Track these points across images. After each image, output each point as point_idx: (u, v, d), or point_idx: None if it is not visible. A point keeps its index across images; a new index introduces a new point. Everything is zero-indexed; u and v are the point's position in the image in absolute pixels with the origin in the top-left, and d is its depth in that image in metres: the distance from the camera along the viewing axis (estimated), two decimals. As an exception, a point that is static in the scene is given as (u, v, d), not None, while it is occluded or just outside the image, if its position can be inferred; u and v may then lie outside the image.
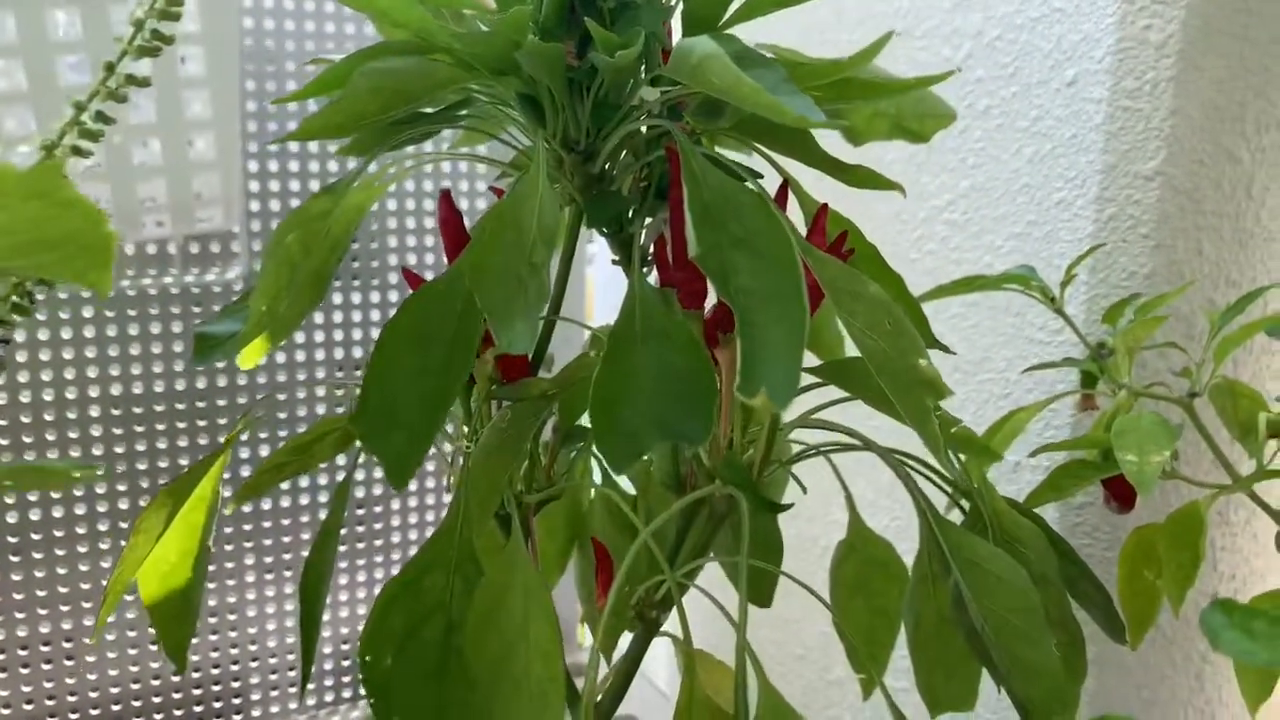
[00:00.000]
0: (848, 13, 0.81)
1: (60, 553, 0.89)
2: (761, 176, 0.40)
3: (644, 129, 0.40)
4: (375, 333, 0.99)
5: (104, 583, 0.91)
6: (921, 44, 0.75)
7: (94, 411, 0.89)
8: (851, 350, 0.38)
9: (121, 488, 0.91)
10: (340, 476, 0.97)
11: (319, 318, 0.94)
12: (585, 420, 0.48)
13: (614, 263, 0.44)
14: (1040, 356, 0.68)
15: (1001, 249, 0.71)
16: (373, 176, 0.43)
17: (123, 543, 0.90)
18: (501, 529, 0.44)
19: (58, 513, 0.88)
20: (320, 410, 0.97)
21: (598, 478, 0.54)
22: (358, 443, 0.49)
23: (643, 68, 0.37)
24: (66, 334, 0.85)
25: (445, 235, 0.44)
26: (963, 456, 0.48)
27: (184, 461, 0.93)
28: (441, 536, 0.37)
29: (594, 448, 0.30)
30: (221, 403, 0.94)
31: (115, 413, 0.90)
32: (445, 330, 0.33)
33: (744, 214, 0.31)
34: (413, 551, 1.08)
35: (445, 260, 0.44)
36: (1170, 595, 0.47)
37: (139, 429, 0.91)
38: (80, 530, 0.90)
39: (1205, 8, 0.61)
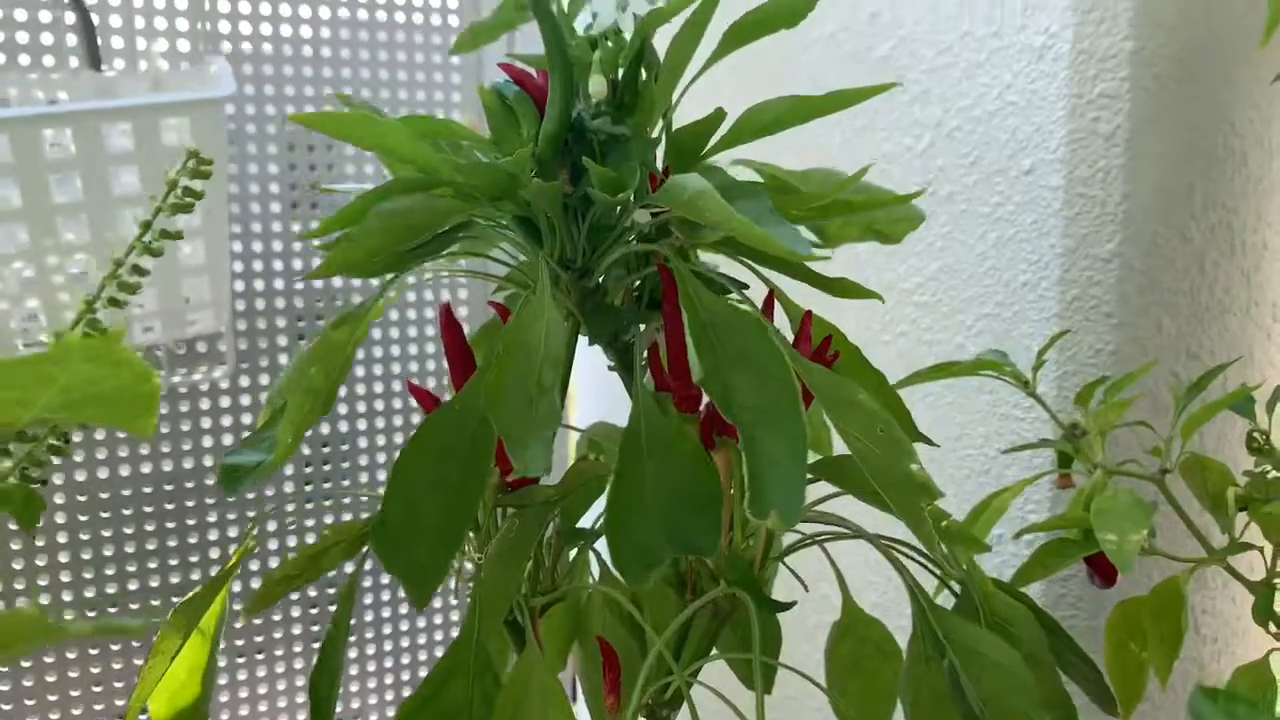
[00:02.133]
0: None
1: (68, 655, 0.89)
2: (747, 287, 0.43)
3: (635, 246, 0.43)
4: (359, 424, 1.00)
5: (100, 690, 0.90)
6: (884, 135, 0.79)
7: (82, 516, 0.89)
8: (838, 442, 0.40)
9: (110, 589, 0.90)
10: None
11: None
12: (585, 521, 0.50)
13: (609, 369, 0.46)
14: (1015, 432, 0.71)
15: (972, 329, 0.73)
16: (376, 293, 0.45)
17: (115, 648, 0.90)
18: (510, 633, 0.45)
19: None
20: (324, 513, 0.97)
21: (595, 570, 0.55)
22: (364, 548, 0.50)
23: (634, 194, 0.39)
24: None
25: (448, 347, 0.46)
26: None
27: (174, 561, 0.93)
28: (458, 648, 0.38)
29: (610, 562, 0.32)
30: (210, 500, 0.94)
31: (104, 515, 0.90)
32: (461, 449, 0.35)
33: (739, 334, 0.33)
34: (422, 654, 1.07)
35: (438, 363, 0.46)
36: (1157, 668, 0.49)
37: (128, 530, 0.91)
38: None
39: (1149, 99, 0.65)
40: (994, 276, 0.71)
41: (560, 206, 0.39)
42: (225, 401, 0.95)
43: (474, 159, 0.42)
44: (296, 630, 0.99)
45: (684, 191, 0.33)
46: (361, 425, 1.00)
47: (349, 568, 0.53)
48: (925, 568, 0.52)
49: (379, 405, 1.00)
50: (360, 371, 0.99)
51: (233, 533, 0.95)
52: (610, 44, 0.40)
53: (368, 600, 1.02)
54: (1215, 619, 0.69)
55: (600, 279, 0.42)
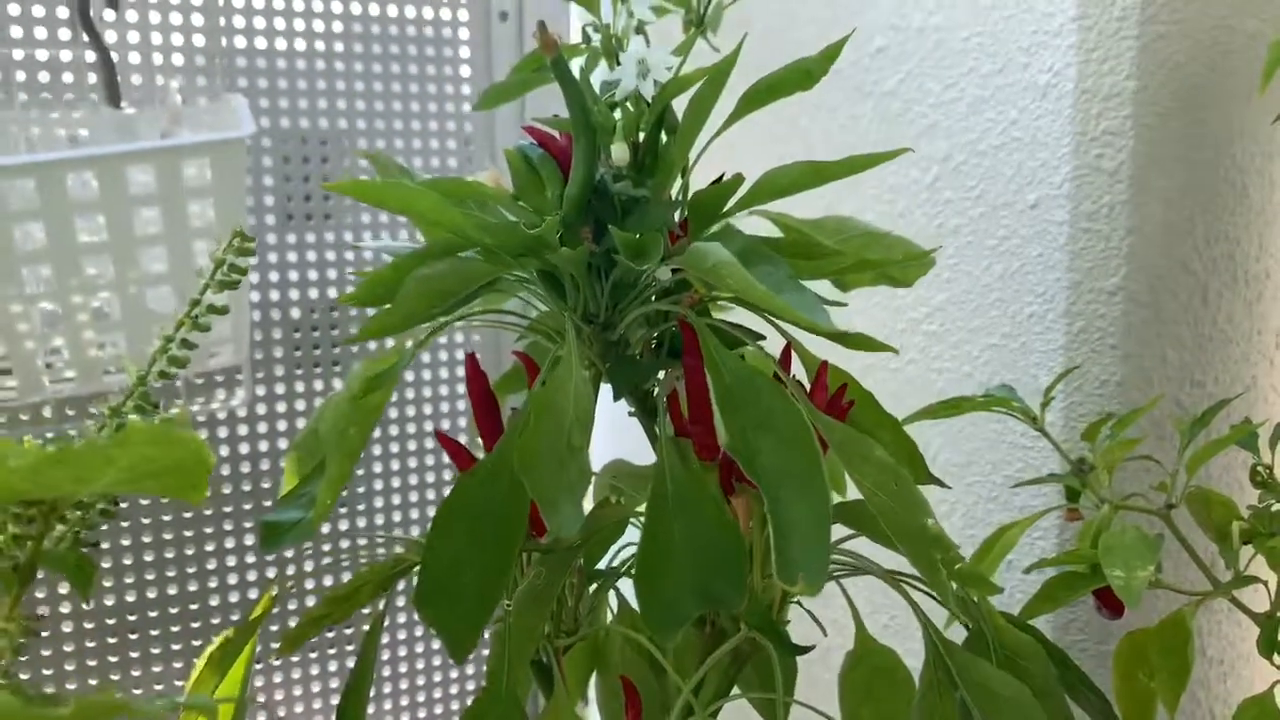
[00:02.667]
0: (816, 147, 0.86)
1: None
2: (764, 338, 0.44)
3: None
4: (374, 466, 1.02)
5: None
6: (891, 167, 0.80)
7: (104, 544, 0.91)
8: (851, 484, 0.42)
9: (130, 615, 0.92)
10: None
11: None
12: (605, 559, 0.51)
13: (630, 414, 0.47)
14: (1024, 461, 0.72)
15: (979, 359, 0.75)
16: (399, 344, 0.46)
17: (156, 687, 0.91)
18: (535, 673, 0.46)
19: (92, 661, 0.89)
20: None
21: (613, 603, 0.56)
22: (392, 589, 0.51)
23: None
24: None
25: (473, 396, 0.47)
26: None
27: (192, 586, 0.95)
28: (488, 694, 0.39)
29: (640, 615, 0.33)
30: (227, 527, 0.96)
31: (125, 542, 0.91)
32: (495, 509, 0.36)
33: (761, 397, 0.34)
34: (437, 691, 1.07)
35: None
36: (1164, 700, 0.50)
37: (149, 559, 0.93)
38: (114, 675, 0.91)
39: (1151, 136, 0.66)
40: (1000, 308, 0.72)
41: (585, 267, 0.40)
42: (243, 429, 0.97)
43: (500, 217, 0.43)
44: (315, 671, 1.00)
45: (706, 259, 0.35)
46: (377, 467, 1.01)
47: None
48: (937, 601, 0.54)
49: (394, 447, 1.01)
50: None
51: (249, 558, 0.96)
52: (631, 109, 0.41)
53: (386, 639, 1.04)
54: (1221, 640, 0.70)
55: (622, 332, 0.44)
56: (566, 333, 0.39)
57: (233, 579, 0.96)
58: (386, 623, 1.00)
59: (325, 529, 0.98)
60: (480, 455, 0.49)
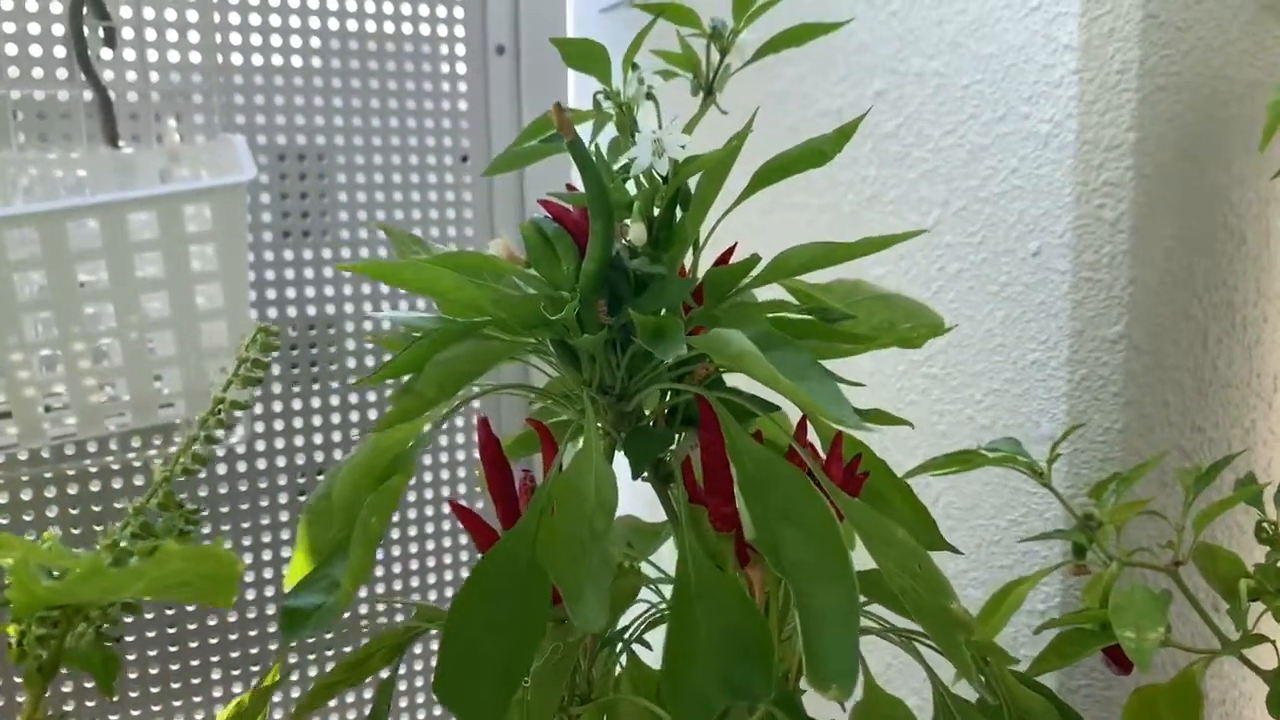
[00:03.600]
0: (814, 185, 0.86)
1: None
2: (779, 409, 0.44)
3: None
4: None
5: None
6: (891, 208, 0.81)
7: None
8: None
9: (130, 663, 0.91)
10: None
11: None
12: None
13: (644, 479, 0.48)
14: (1027, 506, 0.72)
15: (981, 403, 0.75)
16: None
17: None
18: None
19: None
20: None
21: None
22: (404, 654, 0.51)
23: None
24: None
25: (486, 464, 0.47)
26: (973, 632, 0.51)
27: (192, 624, 0.94)
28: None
29: (667, 709, 0.33)
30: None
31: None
32: (515, 590, 0.36)
33: (784, 485, 0.34)
34: None
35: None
36: (1176, 761, 0.50)
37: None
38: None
39: (1151, 187, 0.67)
40: (1002, 354, 0.73)
41: (603, 346, 0.40)
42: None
43: (515, 288, 0.43)
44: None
45: (728, 346, 0.35)
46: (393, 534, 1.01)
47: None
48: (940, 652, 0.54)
49: (408, 513, 1.01)
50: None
51: (249, 595, 0.95)
52: (646, 184, 0.41)
53: (404, 703, 1.03)
54: (1222, 681, 0.70)
55: (638, 403, 0.44)
56: (585, 411, 0.39)
57: (232, 617, 0.96)
58: (404, 687, 1.00)
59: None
60: (492, 520, 0.49)
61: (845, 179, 0.84)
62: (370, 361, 1.00)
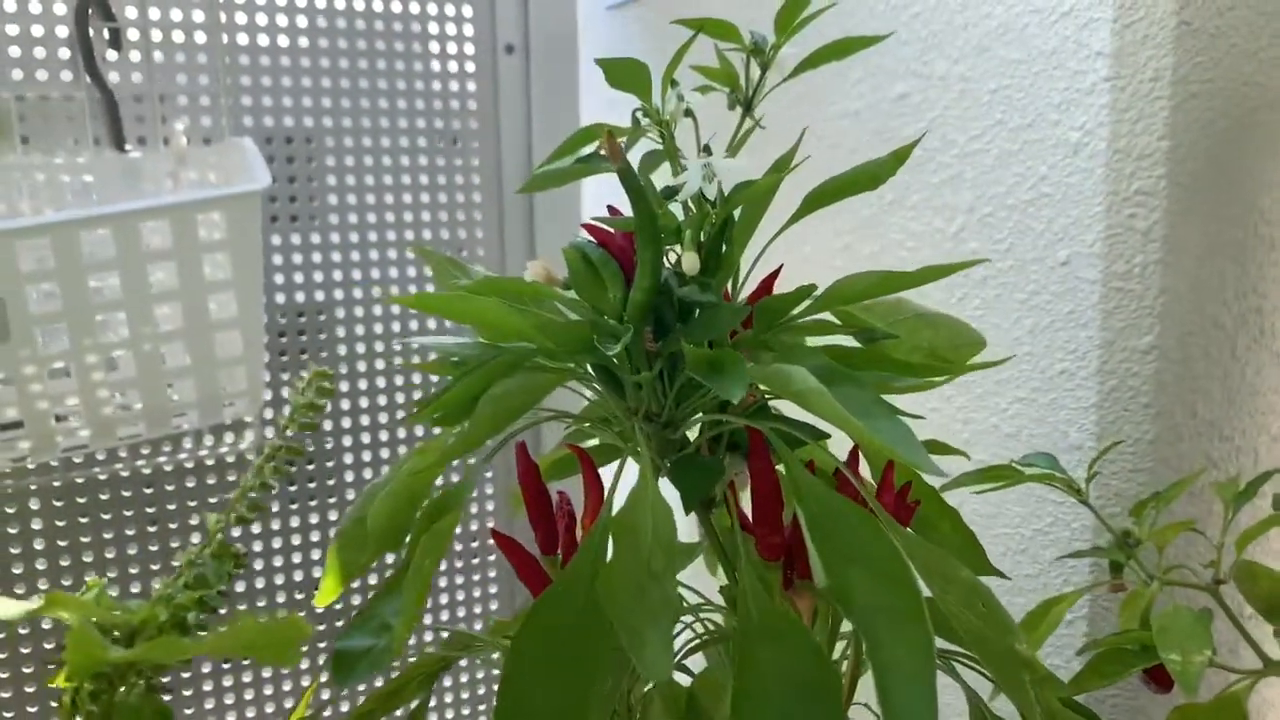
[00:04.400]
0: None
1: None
2: (829, 437, 0.44)
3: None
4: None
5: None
6: (913, 213, 0.80)
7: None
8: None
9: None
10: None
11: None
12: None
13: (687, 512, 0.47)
14: (1054, 515, 0.72)
15: (1007, 411, 0.74)
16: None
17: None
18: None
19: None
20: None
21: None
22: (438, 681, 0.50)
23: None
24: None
25: (526, 490, 0.46)
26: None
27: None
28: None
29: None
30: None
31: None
32: (572, 630, 0.35)
33: (850, 527, 0.33)
34: None
35: (526, 515, 0.46)
36: (1219, 782, 0.50)
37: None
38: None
39: (1184, 196, 0.66)
40: (1030, 362, 0.72)
41: (653, 377, 0.39)
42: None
43: (557, 313, 0.42)
44: None
45: (790, 383, 0.34)
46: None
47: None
48: (981, 674, 0.53)
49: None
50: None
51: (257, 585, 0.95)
52: (695, 211, 0.40)
53: None
54: (1270, 718, 0.70)
55: (684, 430, 0.43)
56: (636, 442, 0.38)
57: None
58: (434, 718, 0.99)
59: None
60: (533, 549, 0.48)
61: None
62: (360, 349, 0.99)
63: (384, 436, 1.01)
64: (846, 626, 0.45)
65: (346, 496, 1.00)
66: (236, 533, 0.93)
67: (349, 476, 1.00)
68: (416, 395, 1.01)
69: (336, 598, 0.50)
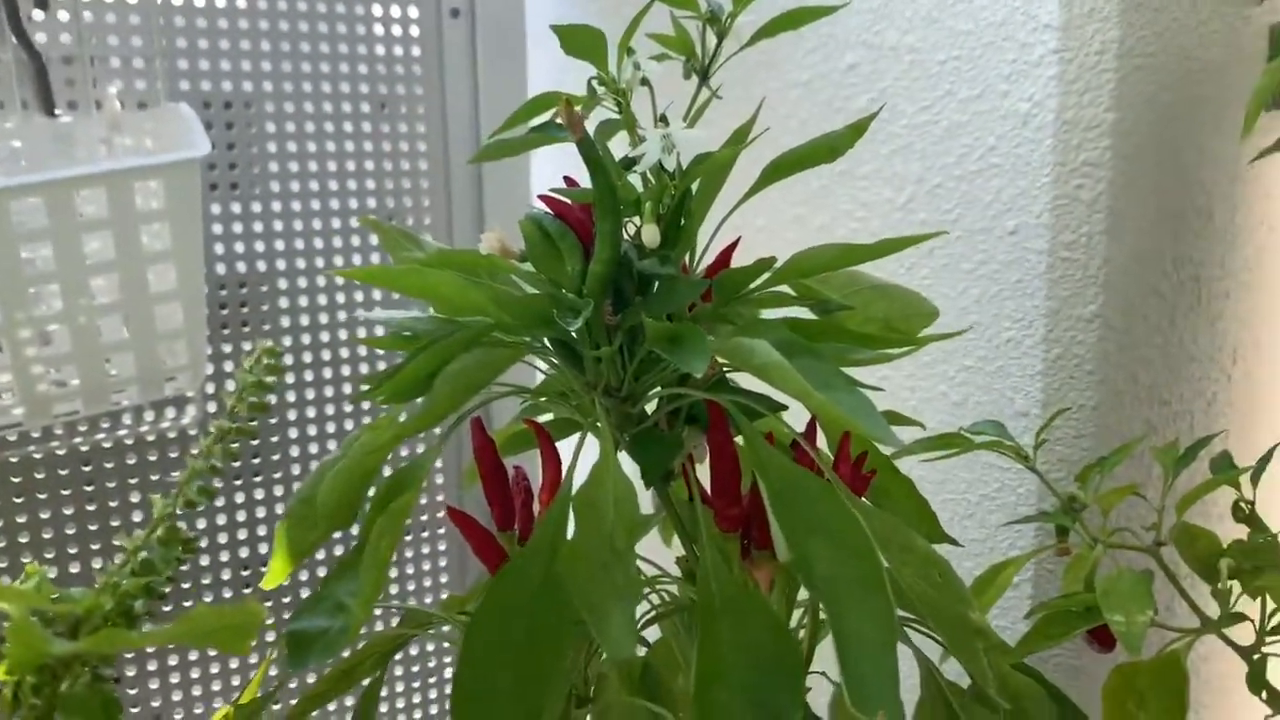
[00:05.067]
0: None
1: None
2: (786, 408, 0.44)
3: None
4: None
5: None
6: (864, 184, 0.80)
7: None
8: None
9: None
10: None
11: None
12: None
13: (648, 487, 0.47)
14: (1000, 481, 0.73)
15: (954, 379, 0.76)
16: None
17: None
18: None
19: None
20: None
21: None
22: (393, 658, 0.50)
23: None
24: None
25: (482, 466, 0.46)
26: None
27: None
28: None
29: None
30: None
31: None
32: (530, 608, 0.35)
33: (812, 500, 0.34)
34: None
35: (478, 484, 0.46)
36: (1160, 738, 0.52)
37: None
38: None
39: (1128, 167, 0.67)
40: (977, 331, 0.73)
41: (614, 352, 0.39)
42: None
43: (514, 285, 0.42)
44: None
45: (752, 357, 0.34)
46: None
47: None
48: (932, 638, 0.54)
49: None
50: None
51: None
52: (654, 183, 0.40)
53: (384, 709, 1.02)
54: (1211, 678, 0.72)
55: (644, 404, 0.43)
56: (596, 417, 0.37)
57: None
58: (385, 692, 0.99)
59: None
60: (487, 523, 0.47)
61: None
62: (305, 320, 0.97)
63: (329, 410, 0.99)
64: (803, 594, 0.45)
65: (293, 472, 0.98)
66: (202, 524, 0.92)
67: (294, 452, 0.98)
68: (363, 369, 1.00)
69: (285, 579, 0.49)
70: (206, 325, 0.78)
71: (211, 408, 0.94)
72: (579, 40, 0.42)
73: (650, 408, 0.46)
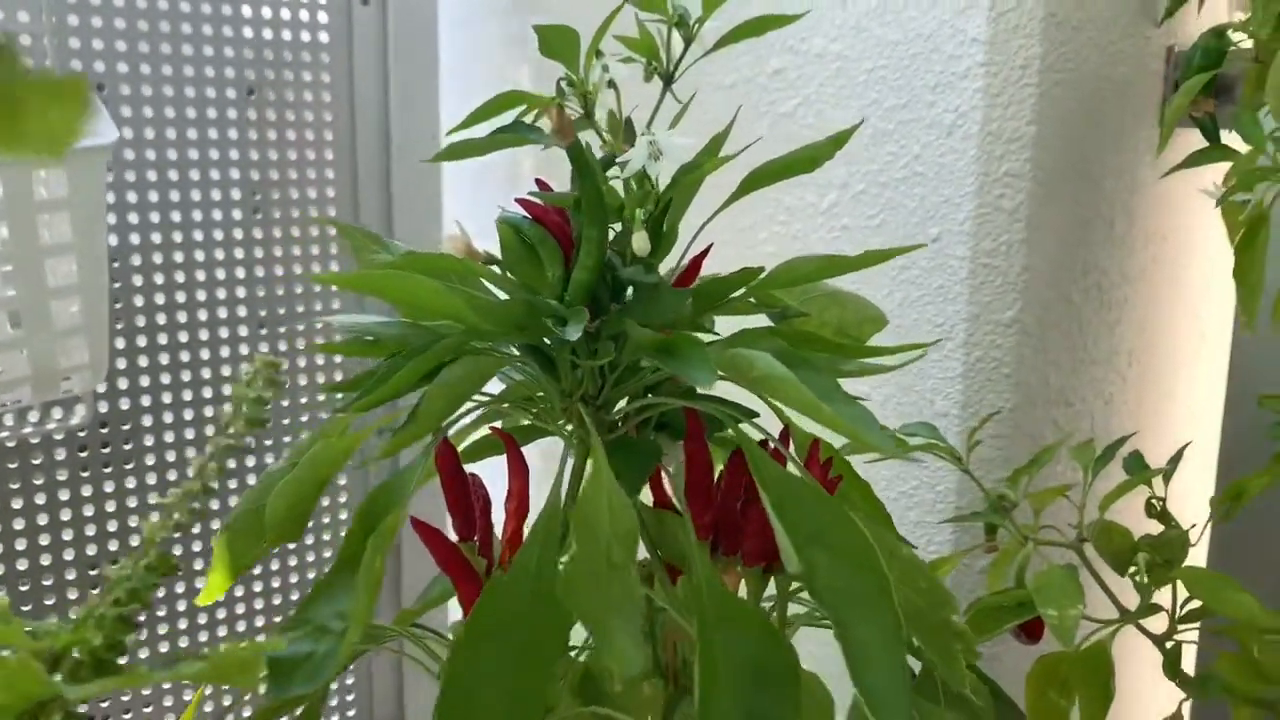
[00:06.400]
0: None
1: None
2: (757, 415, 0.44)
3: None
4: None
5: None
6: (785, 187, 0.81)
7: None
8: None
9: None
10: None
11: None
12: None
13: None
14: (918, 479, 0.76)
15: (876, 381, 0.78)
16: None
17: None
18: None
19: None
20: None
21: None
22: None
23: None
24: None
25: (444, 472, 0.45)
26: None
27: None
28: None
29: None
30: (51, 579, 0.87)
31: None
32: (519, 627, 0.34)
33: (811, 508, 0.34)
34: None
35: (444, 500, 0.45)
36: (1087, 724, 0.54)
37: None
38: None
39: (1047, 178, 0.70)
40: (899, 335, 0.75)
41: (596, 356, 0.38)
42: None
43: (484, 290, 0.41)
44: None
45: (752, 368, 0.34)
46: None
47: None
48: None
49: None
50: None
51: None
52: (637, 189, 0.40)
53: None
54: (1131, 665, 0.77)
55: (620, 411, 0.42)
56: (591, 441, 0.37)
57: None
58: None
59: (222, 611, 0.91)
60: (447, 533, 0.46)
61: (746, 160, 0.83)
62: (183, 318, 0.92)
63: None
64: (770, 591, 0.46)
65: (146, 462, 0.93)
66: (66, 516, 0.86)
67: (166, 456, 0.93)
68: (207, 355, 0.95)
69: (223, 594, 0.47)
70: (108, 321, 0.74)
71: (104, 408, 0.89)
72: (556, 41, 0.41)
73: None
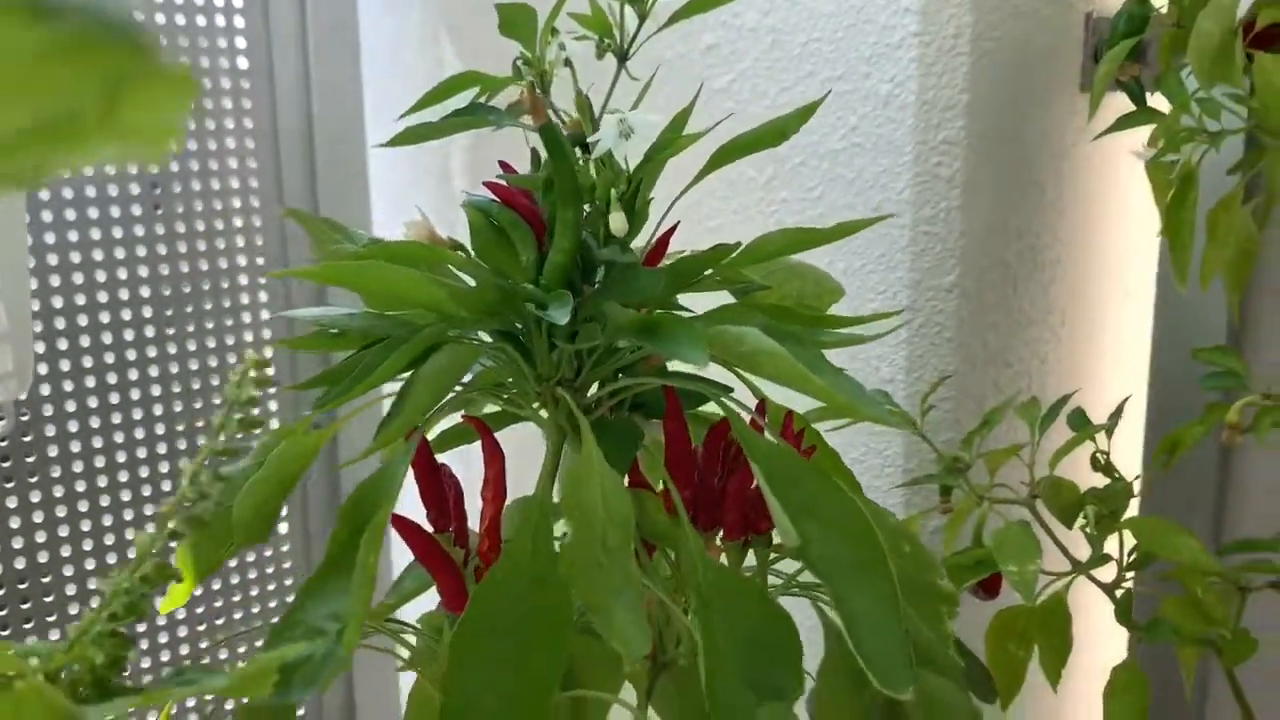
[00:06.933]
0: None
1: None
2: (731, 391, 0.44)
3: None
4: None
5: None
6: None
7: None
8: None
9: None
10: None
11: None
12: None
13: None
14: (866, 445, 0.77)
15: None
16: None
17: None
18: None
19: None
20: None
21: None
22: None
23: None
24: None
25: (418, 464, 0.44)
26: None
27: None
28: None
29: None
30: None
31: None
32: (516, 618, 0.34)
33: (801, 480, 0.34)
34: None
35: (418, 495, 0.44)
36: (1048, 674, 0.56)
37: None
38: None
39: (981, 145, 0.72)
40: (844, 303, 0.76)
41: (572, 342, 0.38)
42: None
43: (454, 277, 0.40)
44: None
45: (741, 343, 0.34)
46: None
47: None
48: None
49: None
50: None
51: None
52: (607, 169, 0.39)
53: None
54: (1084, 615, 0.79)
55: (595, 394, 0.42)
56: (565, 410, 0.37)
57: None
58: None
59: (181, 613, 0.88)
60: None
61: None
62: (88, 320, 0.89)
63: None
64: (750, 562, 0.46)
65: (52, 454, 0.90)
66: (15, 524, 0.82)
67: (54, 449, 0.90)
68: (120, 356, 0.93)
69: (186, 601, 0.45)
70: (34, 328, 0.70)
71: (25, 416, 0.85)
72: (515, 18, 0.40)
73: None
